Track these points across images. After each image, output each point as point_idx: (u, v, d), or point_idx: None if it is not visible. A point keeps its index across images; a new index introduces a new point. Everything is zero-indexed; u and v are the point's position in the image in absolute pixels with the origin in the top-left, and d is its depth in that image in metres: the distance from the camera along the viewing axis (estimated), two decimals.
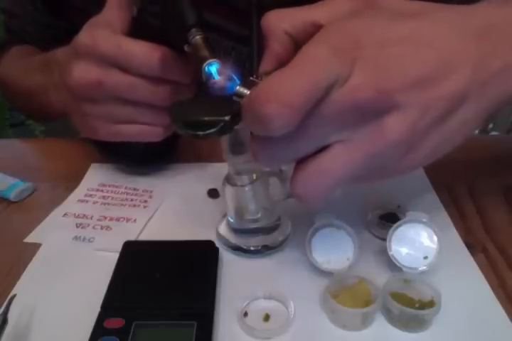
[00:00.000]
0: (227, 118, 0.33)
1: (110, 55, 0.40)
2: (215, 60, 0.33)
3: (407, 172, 0.32)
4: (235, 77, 0.31)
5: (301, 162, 0.30)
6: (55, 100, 0.49)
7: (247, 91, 0.30)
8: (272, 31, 0.33)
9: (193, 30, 0.35)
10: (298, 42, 0.33)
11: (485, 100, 0.30)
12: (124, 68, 0.40)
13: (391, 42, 0.28)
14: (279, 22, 0.33)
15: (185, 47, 0.36)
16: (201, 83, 0.33)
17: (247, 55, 0.55)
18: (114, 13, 0.42)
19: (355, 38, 0.28)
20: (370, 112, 0.28)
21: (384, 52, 0.28)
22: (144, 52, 0.39)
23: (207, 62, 0.33)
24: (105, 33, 0.40)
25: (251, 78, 0.31)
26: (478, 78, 0.29)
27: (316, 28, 0.30)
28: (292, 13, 0.33)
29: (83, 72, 0.41)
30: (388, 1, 0.31)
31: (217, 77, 0.32)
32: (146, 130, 0.45)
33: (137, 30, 0.42)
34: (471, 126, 0.31)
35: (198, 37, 0.35)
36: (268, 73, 0.32)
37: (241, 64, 0.32)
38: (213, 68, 0.33)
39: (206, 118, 0.33)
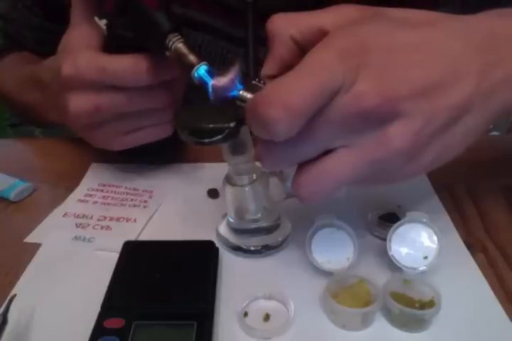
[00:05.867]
0: (232, 124, 0.32)
1: (97, 80, 0.40)
2: (202, 63, 0.33)
3: (408, 179, 0.32)
4: (238, 82, 0.31)
5: (304, 163, 0.31)
6: (55, 118, 0.49)
7: (250, 96, 0.30)
8: (277, 35, 0.33)
9: (170, 35, 0.35)
10: (303, 48, 0.33)
11: (487, 110, 0.30)
12: (115, 86, 0.40)
13: (398, 49, 0.28)
14: (285, 27, 0.33)
15: (167, 53, 0.36)
16: (199, 88, 0.33)
17: (242, 57, 0.55)
18: (85, 28, 0.42)
19: (361, 43, 0.28)
20: (374, 119, 0.28)
21: (390, 59, 0.28)
22: (130, 67, 0.39)
23: (195, 67, 0.33)
24: (86, 59, 0.40)
25: (253, 82, 0.31)
26: (482, 88, 0.29)
27: (322, 34, 0.30)
28: (299, 18, 0.33)
29: (78, 103, 0.41)
30: (394, 11, 0.32)
31: (209, 80, 0.32)
32: (156, 130, 0.45)
33: (112, 43, 0.41)
34: (473, 136, 0.31)
35: (177, 42, 0.35)
36: (271, 77, 0.32)
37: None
38: (202, 71, 0.33)
39: (212, 126, 0.33)
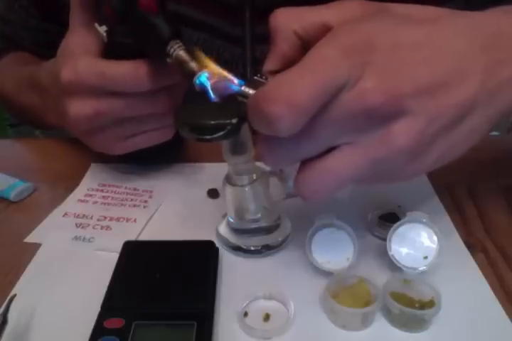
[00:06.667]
0: (234, 121, 0.32)
1: (97, 85, 0.40)
2: (204, 70, 0.33)
3: (412, 178, 0.31)
4: (239, 78, 0.31)
5: (306, 161, 0.30)
6: (54, 120, 0.49)
7: (252, 91, 0.30)
8: (280, 30, 0.33)
9: (172, 42, 0.35)
10: (306, 43, 0.32)
11: (492, 109, 0.30)
12: (115, 92, 0.40)
13: (403, 47, 0.28)
14: (289, 22, 0.32)
15: (168, 60, 0.35)
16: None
17: (240, 55, 0.55)
18: (84, 34, 0.41)
19: (367, 40, 0.27)
20: (378, 117, 0.28)
21: (395, 56, 0.27)
22: (130, 73, 0.39)
23: (197, 75, 0.32)
24: (85, 64, 0.40)
25: (255, 77, 0.30)
26: (487, 87, 0.29)
27: (325, 30, 0.30)
28: (302, 13, 0.33)
29: (78, 109, 0.41)
30: (399, 7, 0.31)
31: (209, 86, 0.32)
32: (156, 134, 0.45)
33: (112, 49, 0.41)
34: (477, 135, 0.31)
35: (178, 49, 0.35)
36: (274, 72, 0.32)
37: (235, 64, 0.32)
38: (204, 78, 0.32)
39: (213, 122, 0.33)
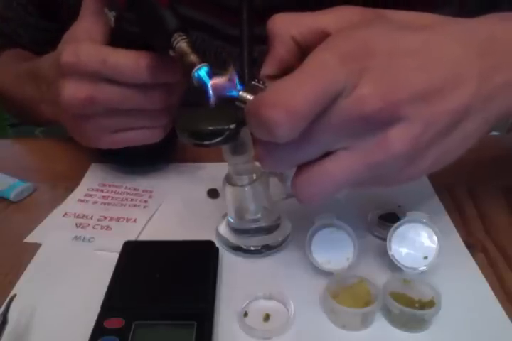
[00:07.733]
0: (232, 126, 0.33)
1: (96, 71, 0.39)
2: (204, 64, 0.33)
3: (407, 182, 0.32)
4: (237, 83, 0.31)
5: (303, 164, 0.31)
6: (48, 113, 0.49)
7: (250, 97, 0.30)
8: (278, 35, 0.33)
9: (176, 35, 0.35)
10: (304, 49, 0.32)
11: (486, 114, 0.30)
12: (113, 80, 0.40)
13: (399, 53, 0.28)
14: (287, 27, 0.33)
15: (170, 52, 0.35)
16: (198, 89, 0.33)
17: (237, 56, 0.55)
18: (91, 21, 0.42)
19: (364, 46, 0.28)
20: (375, 123, 0.28)
21: (392, 63, 0.28)
22: (131, 63, 0.39)
23: (196, 67, 0.32)
24: (88, 48, 0.40)
25: (253, 83, 0.31)
26: (482, 92, 0.29)
27: (323, 35, 0.30)
28: (300, 18, 0.33)
29: (73, 91, 0.40)
30: (396, 13, 0.32)
31: (208, 82, 0.32)
32: (145, 134, 0.45)
33: (117, 37, 0.41)
34: (471, 140, 0.31)
35: (181, 42, 0.35)
36: (271, 77, 0.32)
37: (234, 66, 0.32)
38: (203, 73, 0.32)
39: (212, 128, 0.33)
